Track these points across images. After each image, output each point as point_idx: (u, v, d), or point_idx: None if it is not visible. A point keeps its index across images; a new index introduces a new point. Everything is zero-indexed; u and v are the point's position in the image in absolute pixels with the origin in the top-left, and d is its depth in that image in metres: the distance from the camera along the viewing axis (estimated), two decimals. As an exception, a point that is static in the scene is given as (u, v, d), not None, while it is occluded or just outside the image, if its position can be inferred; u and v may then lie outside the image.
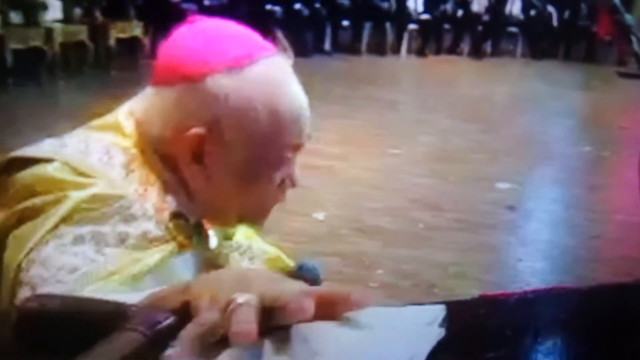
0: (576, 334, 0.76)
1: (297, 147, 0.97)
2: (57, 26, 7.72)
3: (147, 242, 0.88)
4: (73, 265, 0.81)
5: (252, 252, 1.11)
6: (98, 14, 8.35)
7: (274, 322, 0.57)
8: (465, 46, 11.96)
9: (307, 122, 0.97)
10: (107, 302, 0.62)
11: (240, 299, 0.55)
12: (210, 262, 1.00)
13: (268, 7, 10.08)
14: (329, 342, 0.57)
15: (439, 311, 0.65)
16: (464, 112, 7.33)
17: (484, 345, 0.69)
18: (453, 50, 11.88)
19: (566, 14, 12.22)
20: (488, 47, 12.05)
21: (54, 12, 7.80)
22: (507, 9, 12.16)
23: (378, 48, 11.35)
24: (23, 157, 0.90)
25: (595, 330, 0.76)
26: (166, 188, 0.94)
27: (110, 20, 8.36)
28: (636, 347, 0.72)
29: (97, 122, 0.98)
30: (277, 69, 0.94)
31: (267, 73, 0.93)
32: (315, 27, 10.77)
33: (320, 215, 4.10)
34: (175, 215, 0.93)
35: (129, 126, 0.95)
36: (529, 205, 4.76)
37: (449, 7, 11.84)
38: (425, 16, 11.63)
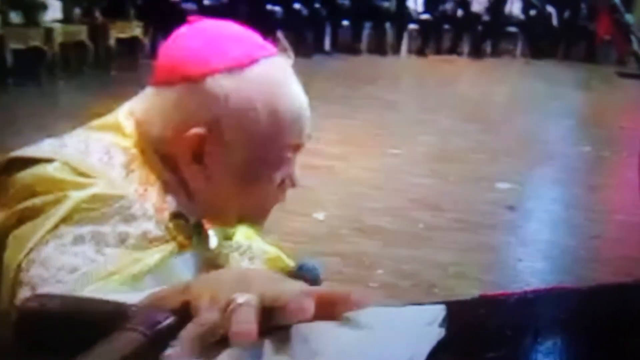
0: (576, 334, 0.76)
1: (297, 147, 0.97)
2: (57, 26, 7.72)
3: (147, 242, 0.88)
4: (73, 266, 0.81)
5: (252, 252, 1.11)
6: (98, 14, 8.34)
7: (274, 322, 0.57)
8: (465, 46, 11.96)
9: (307, 122, 0.97)
10: (107, 302, 0.62)
11: (240, 299, 0.55)
12: (210, 262, 1.00)
13: (268, 7, 10.08)
14: (329, 342, 0.57)
15: (439, 311, 0.65)
16: (464, 112, 7.33)
17: (484, 345, 0.69)
18: (453, 50, 11.88)
19: (566, 13, 12.22)
20: (488, 47, 12.05)
21: (53, 12, 7.80)
22: (507, 8, 12.16)
23: (378, 48, 11.35)
24: (23, 157, 0.90)
25: (595, 330, 0.76)
26: (166, 188, 0.94)
27: (110, 20, 8.35)
28: (636, 347, 0.72)
29: (97, 122, 0.98)
30: (278, 69, 0.94)
31: (267, 73, 0.93)
32: (315, 27, 10.78)
33: (320, 215, 4.10)
34: (176, 216, 0.93)
35: (129, 126, 0.95)
36: (529, 205, 4.76)
37: (449, 7, 11.84)
38: (425, 16, 11.64)
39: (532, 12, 12.15)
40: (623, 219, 4.36)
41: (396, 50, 11.53)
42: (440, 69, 10.66)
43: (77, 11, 8.19)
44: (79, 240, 0.83)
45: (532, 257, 3.79)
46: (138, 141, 0.94)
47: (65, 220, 0.84)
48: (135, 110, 0.96)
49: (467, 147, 5.96)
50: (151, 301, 0.60)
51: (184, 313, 0.57)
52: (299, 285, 0.61)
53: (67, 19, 8.01)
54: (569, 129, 7.28)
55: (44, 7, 7.62)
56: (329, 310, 0.59)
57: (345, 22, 11.14)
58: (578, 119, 7.82)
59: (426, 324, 0.63)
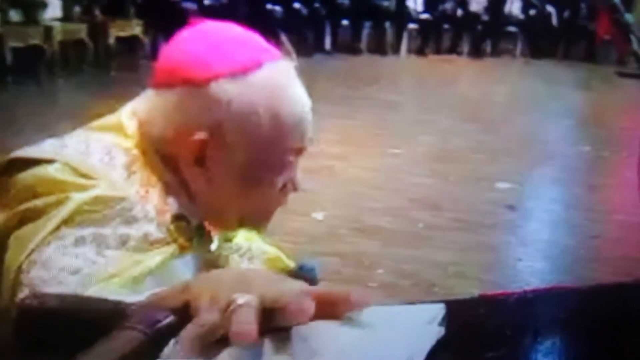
0: (576, 333, 0.76)
1: (299, 151, 0.97)
2: (57, 24, 7.71)
3: (148, 244, 0.88)
4: (74, 267, 0.81)
5: (251, 253, 1.10)
6: (98, 12, 8.34)
7: (274, 323, 0.57)
8: (465, 46, 11.96)
9: (309, 125, 0.97)
10: (106, 301, 0.62)
11: (241, 299, 0.55)
12: (211, 264, 0.99)
13: (268, 6, 10.08)
14: (329, 342, 0.57)
15: (439, 310, 0.65)
16: (464, 112, 7.33)
17: (484, 345, 0.69)
18: (453, 49, 11.88)
19: (566, 13, 12.21)
20: (488, 46, 12.04)
21: (53, 10, 7.80)
22: (507, 8, 12.15)
23: (378, 47, 11.34)
24: (24, 157, 0.90)
25: (595, 330, 0.76)
26: (167, 190, 0.94)
27: (110, 19, 8.35)
28: (636, 347, 0.72)
29: (97, 122, 0.98)
30: (281, 73, 0.94)
31: (270, 78, 0.92)
32: (314, 26, 10.77)
33: (319, 215, 4.09)
34: (177, 218, 0.93)
35: (131, 126, 0.95)
36: (529, 205, 4.76)
37: (448, 6, 11.83)
38: (425, 16, 11.63)
39: (532, 12, 12.14)
40: (623, 219, 4.36)
41: (396, 49, 11.53)
42: (440, 68, 10.65)
43: (76, 9, 8.19)
44: (80, 241, 0.83)
45: (532, 257, 3.79)
46: (139, 142, 0.94)
47: (67, 221, 0.84)
48: (138, 111, 0.96)
49: (467, 147, 5.96)
50: (151, 301, 0.60)
51: (184, 313, 0.57)
52: (299, 285, 0.61)
53: (66, 17, 8.01)
54: (569, 129, 7.28)
55: (44, 5, 7.62)
56: (329, 310, 0.59)
57: (345, 22, 11.14)
58: (578, 119, 7.81)
59: (426, 323, 0.63)
